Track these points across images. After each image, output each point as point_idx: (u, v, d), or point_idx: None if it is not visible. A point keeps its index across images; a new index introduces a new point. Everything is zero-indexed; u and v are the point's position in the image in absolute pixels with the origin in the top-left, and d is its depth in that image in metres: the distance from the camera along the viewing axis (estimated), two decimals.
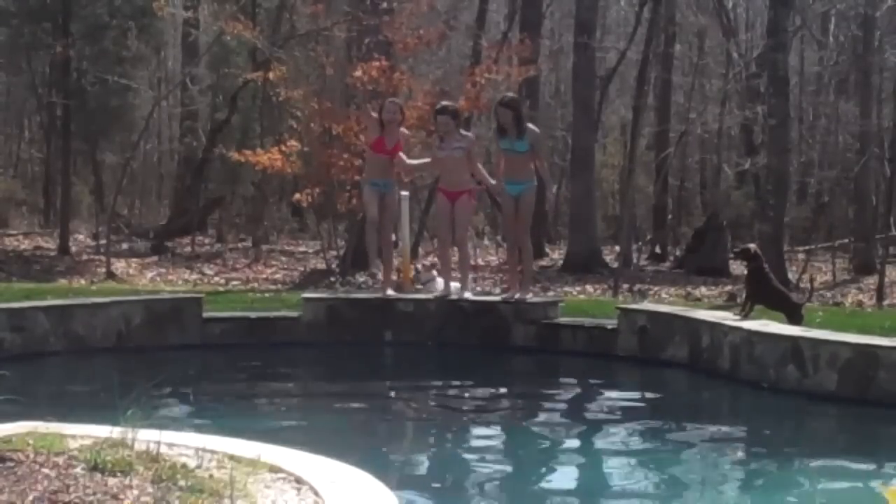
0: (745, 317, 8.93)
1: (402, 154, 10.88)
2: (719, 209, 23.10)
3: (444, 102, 11.71)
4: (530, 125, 10.53)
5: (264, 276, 18.61)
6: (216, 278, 18.03)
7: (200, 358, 9.93)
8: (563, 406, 8.51)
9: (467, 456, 6.73)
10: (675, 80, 27.44)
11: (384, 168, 10.77)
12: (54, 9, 21.51)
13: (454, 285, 10.93)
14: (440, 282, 11.16)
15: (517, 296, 10.39)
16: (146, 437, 4.00)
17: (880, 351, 7.67)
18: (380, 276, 10.98)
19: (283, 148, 17.75)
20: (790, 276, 18.59)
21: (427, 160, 11.38)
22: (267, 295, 13.37)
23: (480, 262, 21.72)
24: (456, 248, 11.44)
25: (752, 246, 9.69)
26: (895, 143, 24.00)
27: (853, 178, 24.18)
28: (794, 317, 9.01)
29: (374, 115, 11.04)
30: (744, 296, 9.72)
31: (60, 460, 3.83)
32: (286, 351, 10.17)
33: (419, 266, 11.24)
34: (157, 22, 23.37)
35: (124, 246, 22.50)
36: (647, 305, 12.12)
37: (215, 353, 10.00)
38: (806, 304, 9.79)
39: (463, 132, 10.87)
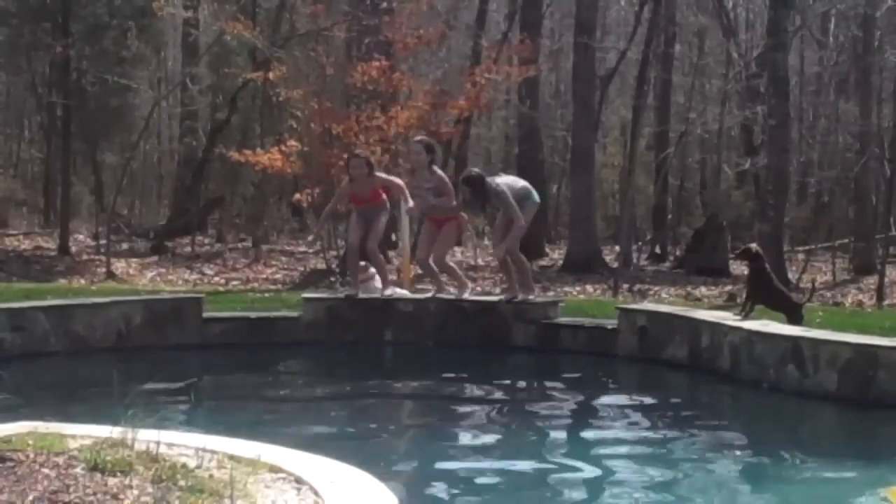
0: (746, 317, 8.93)
1: (410, 202, 10.64)
2: (719, 209, 23.11)
3: (421, 137, 11.75)
4: (497, 184, 10.41)
5: (264, 276, 18.62)
6: (216, 278, 18.04)
7: (200, 358, 9.93)
8: (562, 406, 8.50)
9: (467, 455, 6.72)
10: (675, 80, 27.45)
11: (367, 208, 10.71)
12: (54, 9, 21.52)
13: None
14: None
15: (520, 296, 10.39)
16: (146, 437, 4.00)
17: (880, 351, 7.67)
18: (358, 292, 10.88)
19: (283, 148, 17.76)
20: (790, 276, 18.60)
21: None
22: (267, 295, 13.38)
23: (480, 262, 21.73)
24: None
25: (754, 246, 9.69)
26: (895, 143, 24.00)
27: (853, 178, 24.20)
28: (795, 317, 9.01)
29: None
30: (744, 296, 9.73)
31: (60, 460, 3.83)
32: (286, 351, 10.17)
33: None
34: (157, 22, 23.38)
35: (124, 246, 22.51)
36: (647, 305, 12.12)
37: (215, 353, 10.00)
38: (806, 304, 9.79)
39: (434, 169, 10.66)
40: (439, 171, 10.84)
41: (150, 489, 3.59)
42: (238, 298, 12.73)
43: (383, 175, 11.15)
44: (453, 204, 10.56)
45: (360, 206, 10.74)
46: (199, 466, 3.86)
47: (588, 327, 10.16)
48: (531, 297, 10.55)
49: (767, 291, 9.14)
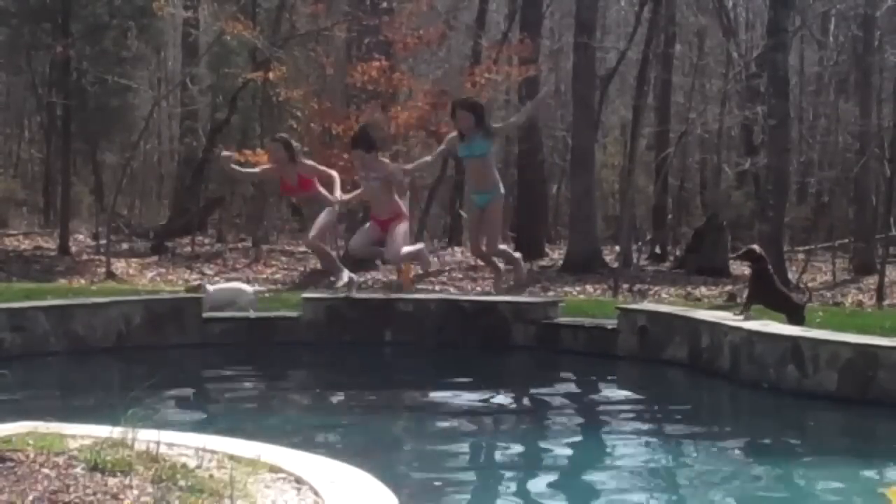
0: (748, 317, 8.91)
1: (339, 193, 10.35)
2: (719, 209, 23.12)
3: (362, 129, 11.10)
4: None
5: (264, 276, 18.62)
6: (216, 278, 18.04)
7: (200, 358, 9.93)
8: (562, 406, 8.50)
9: (467, 455, 6.73)
10: (675, 80, 27.45)
11: (301, 197, 10.41)
12: (54, 9, 21.53)
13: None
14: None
15: (512, 282, 10.17)
16: (146, 437, 3.99)
17: (880, 351, 7.67)
18: (351, 277, 10.61)
19: None
20: (790, 276, 18.61)
21: (357, 192, 11.04)
22: (267, 295, 13.36)
23: (480, 261, 21.71)
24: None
25: (757, 247, 9.69)
26: (895, 143, 24.00)
27: (853, 178, 24.21)
28: (796, 318, 9.01)
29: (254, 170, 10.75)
30: (744, 296, 9.72)
31: (60, 460, 3.83)
32: (286, 351, 10.16)
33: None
34: (157, 22, 23.40)
35: (124, 246, 22.52)
36: (647, 305, 12.12)
37: (215, 353, 10.00)
38: (807, 304, 9.80)
39: (381, 160, 10.35)
40: (385, 161, 10.50)
41: (150, 489, 3.59)
42: None
43: (311, 163, 10.62)
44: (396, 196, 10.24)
45: (293, 195, 10.46)
46: (199, 466, 3.86)
47: (588, 327, 10.15)
48: (524, 272, 10.30)
49: (769, 292, 9.14)
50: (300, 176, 10.25)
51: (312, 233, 10.30)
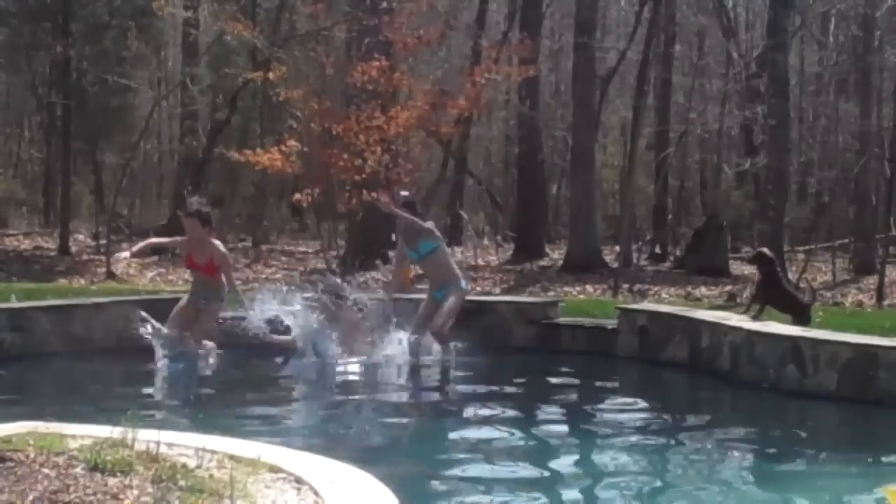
0: (756, 318, 8.90)
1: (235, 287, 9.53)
2: (719, 209, 23.12)
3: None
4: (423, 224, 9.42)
5: (264, 275, 18.61)
6: None
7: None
8: (562, 406, 8.50)
9: (467, 456, 6.72)
10: (675, 80, 27.45)
11: (203, 281, 9.38)
12: (54, 9, 21.55)
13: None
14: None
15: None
16: (146, 437, 3.99)
17: (880, 351, 7.67)
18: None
19: (283, 148, 17.76)
20: (790, 276, 18.62)
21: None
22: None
23: (481, 262, 21.73)
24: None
25: (766, 250, 9.70)
26: (895, 143, 24.01)
27: (853, 178, 24.22)
28: (803, 318, 9.02)
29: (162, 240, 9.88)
30: (745, 296, 9.73)
31: (60, 460, 3.83)
32: (286, 351, 10.14)
33: None
34: (157, 22, 23.41)
35: (124, 246, 22.47)
36: (647, 305, 12.12)
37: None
38: (813, 304, 9.82)
39: (349, 308, 9.71)
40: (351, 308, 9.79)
41: (150, 489, 3.59)
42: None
43: (218, 243, 9.40)
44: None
45: (196, 273, 9.49)
46: (199, 466, 3.86)
47: (588, 327, 10.15)
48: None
49: (778, 294, 9.16)
50: (211, 259, 9.23)
51: (199, 328, 9.29)
